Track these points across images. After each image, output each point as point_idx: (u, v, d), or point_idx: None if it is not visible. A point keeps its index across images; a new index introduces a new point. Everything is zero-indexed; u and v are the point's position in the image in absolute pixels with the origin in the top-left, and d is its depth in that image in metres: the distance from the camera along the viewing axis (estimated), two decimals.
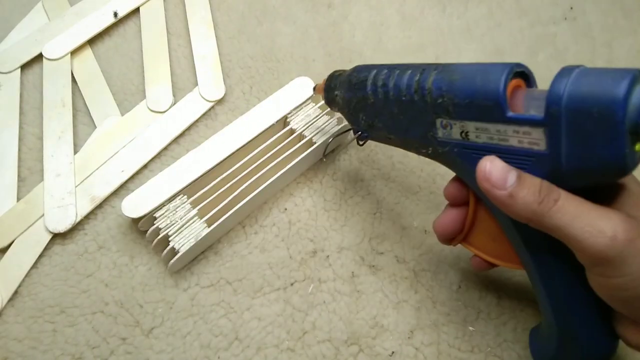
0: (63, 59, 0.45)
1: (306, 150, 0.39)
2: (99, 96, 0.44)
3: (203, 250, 0.39)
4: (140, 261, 0.38)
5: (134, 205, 0.37)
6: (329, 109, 0.41)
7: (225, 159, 0.39)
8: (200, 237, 0.36)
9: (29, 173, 0.41)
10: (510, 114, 0.24)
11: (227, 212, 0.37)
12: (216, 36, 0.47)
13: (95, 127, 0.43)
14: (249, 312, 0.37)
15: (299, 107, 0.41)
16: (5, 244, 0.38)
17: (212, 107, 0.44)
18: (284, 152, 0.39)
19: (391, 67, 0.30)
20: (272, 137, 0.40)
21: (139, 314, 0.37)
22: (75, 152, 0.42)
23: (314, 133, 0.40)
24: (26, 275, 0.37)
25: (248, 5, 0.49)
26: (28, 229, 0.38)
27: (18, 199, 0.40)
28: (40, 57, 0.45)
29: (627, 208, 0.24)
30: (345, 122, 0.40)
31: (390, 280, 0.38)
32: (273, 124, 0.41)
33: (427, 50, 0.48)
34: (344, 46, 0.47)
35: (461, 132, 0.26)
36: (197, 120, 0.44)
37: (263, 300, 0.38)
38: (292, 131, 0.41)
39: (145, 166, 0.42)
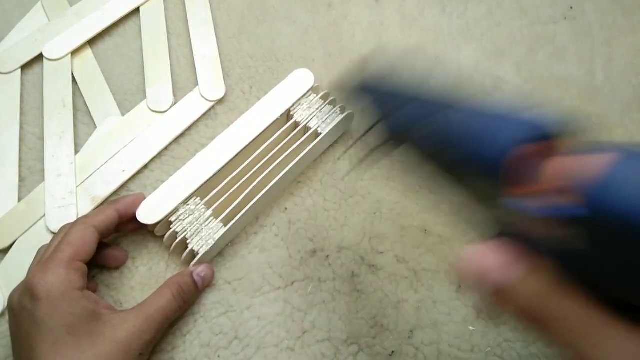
0: (63, 59, 0.45)
1: (313, 141, 0.40)
2: (99, 96, 0.44)
3: (221, 250, 0.39)
4: (140, 262, 0.38)
5: (149, 212, 0.37)
6: (331, 98, 0.41)
7: (234, 157, 0.39)
8: (218, 237, 0.36)
9: (30, 173, 0.42)
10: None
11: (242, 209, 0.37)
12: (216, 36, 0.47)
13: (96, 127, 0.43)
14: (249, 312, 0.37)
15: (300, 99, 0.41)
16: (7, 244, 0.38)
17: (213, 106, 0.44)
18: (291, 145, 0.39)
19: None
20: (278, 131, 0.40)
21: None
22: (76, 152, 0.42)
23: (319, 124, 0.40)
24: None
25: (248, 5, 0.49)
26: (29, 229, 0.38)
27: (19, 200, 0.40)
28: (40, 57, 0.45)
29: None
30: (350, 112, 0.40)
31: (390, 279, 0.38)
32: (277, 118, 0.40)
33: (427, 50, 0.48)
34: (344, 46, 0.47)
35: None
36: (197, 120, 0.44)
37: (263, 299, 0.38)
38: (296, 124, 0.41)
39: (145, 166, 0.42)
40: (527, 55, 0.47)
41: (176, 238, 0.37)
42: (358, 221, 0.40)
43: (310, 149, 0.39)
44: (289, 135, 0.40)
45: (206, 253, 0.36)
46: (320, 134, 0.40)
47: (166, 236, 0.37)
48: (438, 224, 0.40)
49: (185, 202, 0.37)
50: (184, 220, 0.37)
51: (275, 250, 0.39)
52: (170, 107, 0.44)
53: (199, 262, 0.37)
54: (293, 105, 0.41)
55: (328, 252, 0.39)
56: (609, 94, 0.46)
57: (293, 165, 0.39)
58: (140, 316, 0.31)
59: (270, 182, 0.38)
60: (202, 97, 0.44)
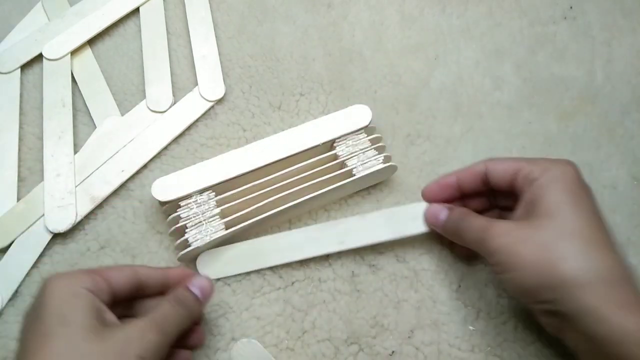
0: (63, 59, 0.45)
1: (344, 179, 0.38)
2: (99, 96, 0.44)
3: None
4: (141, 261, 0.38)
5: (164, 188, 0.37)
6: (380, 144, 0.39)
7: (263, 166, 0.38)
8: (213, 238, 0.36)
9: (29, 173, 0.42)
10: None
11: (247, 220, 0.37)
12: (216, 36, 0.47)
13: (95, 127, 0.43)
14: (248, 312, 0.37)
15: (349, 134, 0.40)
16: (6, 244, 0.38)
17: (212, 106, 0.44)
18: (321, 176, 0.38)
19: None
20: (314, 157, 0.39)
21: None
22: (75, 152, 0.42)
23: (356, 165, 0.39)
24: (27, 275, 0.37)
25: (248, 5, 0.49)
26: (28, 228, 0.38)
27: (18, 199, 0.40)
28: (40, 57, 0.45)
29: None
30: (392, 164, 0.39)
31: (390, 279, 0.38)
32: (319, 145, 0.39)
33: (427, 50, 0.48)
34: (343, 46, 0.47)
35: None
36: (197, 120, 0.44)
37: (263, 299, 0.38)
38: (335, 157, 0.40)
39: (145, 166, 0.42)
40: (527, 55, 0.47)
41: (178, 223, 0.37)
42: None
43: (338, 186, 0.38)
44: (324, 164, 0.39)
45: (198, 248, 0.36)
46: (354, 175, 0.38)
47: (169, 218, 0.37)
48: None
49: (201, 192, 0.37)
50: (191, 209, 0.37)
51: None
52: (170, 107, 0.44)
53: (190, 253, 0.36)
54: (340, 137, 0.40)
55: None
56: (609, 94, 0.46)
57: (314, 196, 0.38)
58: (140, 323, 0.28)
59: (285, 204, 0.37)
60: (202, 97, 0.44)
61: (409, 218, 0.37)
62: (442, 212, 0.35)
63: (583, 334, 0.27)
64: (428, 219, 0.36)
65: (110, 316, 0.29)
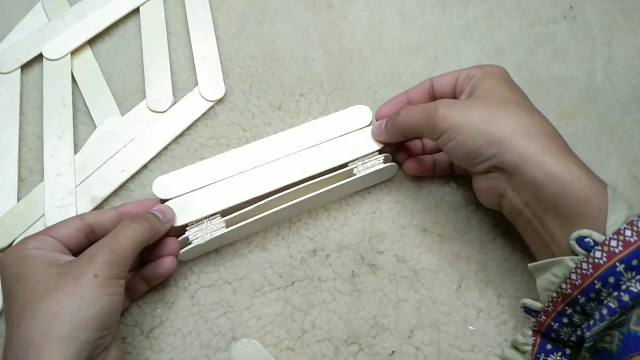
0: (63, 59, 0.45)
1: (344, 179, 0.38)
2: (99, 96, 0.44)
3: (217, 248, 0.39)
4: None
5: (165, 186, 0.37)
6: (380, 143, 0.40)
7: (263, 166, 0.39)
8: (214, 236, 0.36)
9: (29, 173, 0.42)
10: None
11: (247, 219, 0.37)
12: (216, 36, 0.47)
13: (95, 127, 0.43)
14: (249, 312, 0.37)
15: (349, 134, 0.40)
16: (6, 244, 0.38)
17: (212, 106, 0.44)
18: (321, 175, 0.38)
19: None
20: None
21: (138, 314, 0.37)
22: (76, 152, 0.42)
23: (357, 165, 0.39)
24: None
25: (248, 5, 0.49)
26: (28, 229, 0.39)
27: (18, 199, 0.40)
28: (40, 57, 0.45)
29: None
30: (392, 164, 0.39)
31: (390, 279, 0.38)
32: (318, 144, 0.39)
33: (427, 50, 0.48)
34: (343, 46, 0.48)
35: None
36: (197, 120, 0.44)
37: (263, 299, 0.38)
38: None
39: (145, 166, 0.42)
40: (527, 55, 0.47)
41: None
42: (358, 220, 0.40)
43: (338, 186, 0.38)
44: None
45: (199, 245, 0.36)
46: (354, 175, 0.38)
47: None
48: (438, 224, 0.40)
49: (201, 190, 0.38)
50: None
51: (276, 249, 0.39)
52: (170, 107, 0.44)
53: (190, 251, 0.37)
54: (340, 137, 0.40)
55: (328, 251, 0.39)
56: (609, 94, 0.46)
57: (314, 196, 0.37)
58: (92, 247, 0.30)
59: (285, 203, 0.37)
60: (202, 97, 0.44)
61: (362, 141, 0.39)
62: (384, 121, 0.38)
63: (521, 186, 0.31)
64: (374, 132, 0.39)
65: (66, 257, 0.31)
